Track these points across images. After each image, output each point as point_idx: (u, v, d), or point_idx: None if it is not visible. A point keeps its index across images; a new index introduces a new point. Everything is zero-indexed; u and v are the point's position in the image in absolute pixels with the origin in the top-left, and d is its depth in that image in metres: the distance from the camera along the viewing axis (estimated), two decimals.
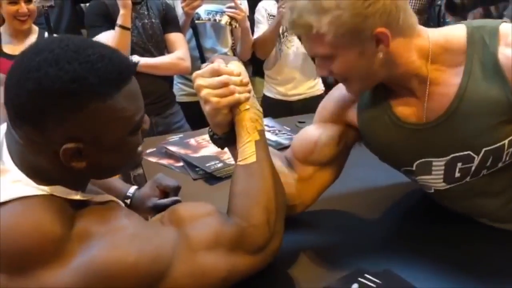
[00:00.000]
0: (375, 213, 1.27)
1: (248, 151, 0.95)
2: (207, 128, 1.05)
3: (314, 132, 1.20)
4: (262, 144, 0.97)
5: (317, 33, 0.93)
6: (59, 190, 0.80)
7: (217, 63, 0.97)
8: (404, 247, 1.09)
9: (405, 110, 1.07)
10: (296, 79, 2.68)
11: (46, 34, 2.29)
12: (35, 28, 2.39)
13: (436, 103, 1.02)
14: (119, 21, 2.12)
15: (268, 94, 2.76)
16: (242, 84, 0.96)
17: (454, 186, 1.08)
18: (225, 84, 0.94)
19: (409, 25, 0.97)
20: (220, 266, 0.85)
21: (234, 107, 0.97)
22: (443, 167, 1.06)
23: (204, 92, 0.95)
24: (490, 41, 0.97)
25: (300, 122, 1.95)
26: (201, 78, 0.96)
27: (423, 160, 1.07)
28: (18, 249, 0.73)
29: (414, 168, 1.10)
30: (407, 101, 1.07)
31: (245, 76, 0.98)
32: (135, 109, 0.82)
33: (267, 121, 1.97)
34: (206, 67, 0.97)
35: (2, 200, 0.75)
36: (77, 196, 0.82)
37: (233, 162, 1.51)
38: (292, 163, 1.21)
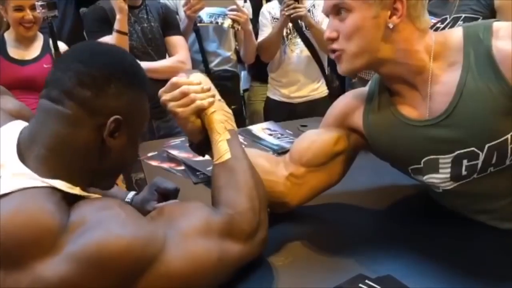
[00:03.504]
0: (377, 218, 1.25)
1: (221, 150, 1.00)
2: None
3: (313, 134, 1.25)
4: (235, 142, 1.03)
5: None
6: (60, 184, 0.83)
7: (176, 77, 1.04)
8: (407, 253, 1.08)
9: (409, 108, 1.10)
10: (300, 81, 2.68)
11: (50, 41, 2.30)
12: (40, 35, 2.40)
13: (438, 101, 1.04)
14: (116, 26, 2.13)
15: (272, 96, 2.75)
16: (202, 91, 1.03)
17: (461, 183, 1.08)
18: (185, 94, 1.01)
19: (424, 19, 1.02)
20: (211, 252, 0.87)
21: (201, 113, 1.03)
22: (449, 164, 1.06)
23: (169, 105, 1.02)
24: (484, 36, 1.00)
25: (302, 125, 1.93)
26: (165, 94, 1.03)
27: (430, 157, 1.08)
28: (15, 242, 0.74)
29: (422, 165, 1.10)
30: (412, 100, 1.09)
31: (205, 84, 1.05)
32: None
33: (269, 124, 1.96)
34: (169, 82, 1.04)
35: (3, 192, 0.78)
36: (76, 191, 0.85)
37: None
38: (287, 163, 1.23)
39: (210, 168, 1.51)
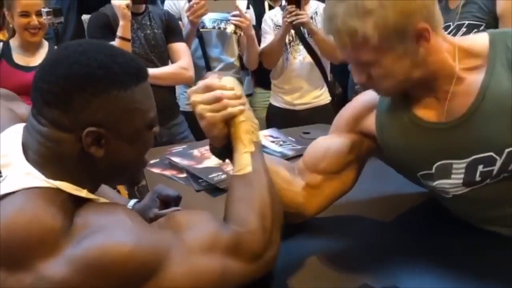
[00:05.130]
0: (381, 227, 1.25)
1: (243, 162, 0.97)
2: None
3: (326, 141, 1.22)
4: (258, 155, 0.99)
5: (362, 37, 0.94)
6: (66, 186, 0.83)
7: (210, 79, 1.00)
8: (412, 262, 1.07)
9: (425, 111, 1.08)
10: (303, 88, 2.67)
11: (55, 48, 2.31)
12: (45, 43, 2.41)
13: (458, 103, 1.02)
14: (119, 32, 2.13)
15: (274, 103, 2.75)
16: (235, 97, 0.99)
17: (473, 189, 1.07)
18: (218, 99, 0.97)
19: (440, 22, 1.00)
20: (214, 270, 0.85)
21: (229, 120, 0.99)
22: (463, 170, 1.05)
23: (199, 108, 0.98)
24: None
25: (304, 133, 1.93)
26: (195, 94, 0.99)
27: (443, 162, 1.06)
28: (18, 241, 0.75)
29: (433, 171, 1.09)
30: (427, 102, 1.07)
31: (238, 90, 1.01)
32: (150, 105, 0.91)
33: (271, 131, 1.95)
34: (199, 84, 1.00)
35: (8, 191, 0.78)
36: (83, 193, 0.85)
37: None
38: (302, 171, 1.21)
39: (212, 175, 1.52)
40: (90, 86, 0.82)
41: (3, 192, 0.79)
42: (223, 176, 1.52)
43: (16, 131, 0.90)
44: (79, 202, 0.84)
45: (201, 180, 1.53)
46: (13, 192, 0.79)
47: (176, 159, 1.67)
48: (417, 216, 1.28)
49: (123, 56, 0.88)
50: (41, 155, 0.85)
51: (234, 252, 0.87)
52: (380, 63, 0.98)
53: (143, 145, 0.93)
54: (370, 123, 1.16)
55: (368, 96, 1.18)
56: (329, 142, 1.21)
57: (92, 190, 0.89)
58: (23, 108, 1.08)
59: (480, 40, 1.03)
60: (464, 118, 1.01)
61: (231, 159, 1.02)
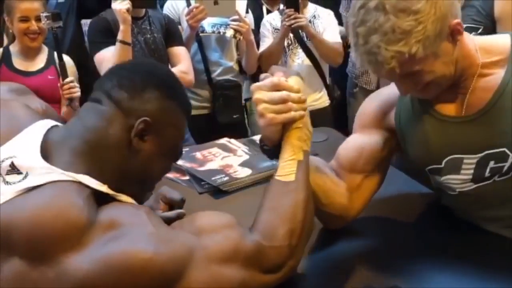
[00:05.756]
0: (383, 228, 1.25)
1: (288, 169, 0.95)
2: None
3: (358, 140, 1.21)
4: (304, 165, 0.97)
5: (409, 55, 0.93)
6: (89, 180, 0.84)
7: (278, 77, 0.97)
8: (414, 263, 1.07)
9: (444, 104, 1.09)
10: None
11: (55, 53, 2.32)
12: (45, 48, 2.42)
13: (477, 97, 1.04)
14: (119, 36, 2.13)
15: None
16: (299, 101, 0.96)
17: (480, 186, 1.08)
18: (284, 101, 0.94)
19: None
20: (233, 280, 0.85)
21: (287, 123, 0.97)
22: (474, 165, 1.06)
23: (262, 107, 0.95)
24: None
25: None
26: (260, 92, 0.96)
27: (454, 156, 1.07)
28: (42, 236, 0.76)
29: (442, 165, 1.09)
30: (447, 97, 1.08)
31: (303, 93, 0.98)
32: (183, 139, 1.03)
33: None
34: (266, 80, 0.97)
35: (36, 183, 0.80)
36: (103, 188, 0.86)
37: (239, 175, 1.53)
38: (339, 174, 1.20)
39: (215, 178, 1.53)
40: (164, 88, 0.94)
41: (31, 185, 0.80)
42: (226, 179, 1.53)
43: (37, 130, 0.91)
44: (102, 198, 0.85)
45: (203, 183, 1.53)
46: (41, 185, 0.80)
47: (179, 162, 1.66)
48: (418, 217, 1.29)
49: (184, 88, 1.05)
50: (84, 138, 0.89)
51: (254, 264, 0.87)
52: (428, 70, 0.98)
53: (165, 165, 1.00)
54: (393, 119, 1.17)
55: (389, 90, 1.18)
56: (361, 141, 1.20)
57: (112, 188, 0.89)
58: (37, 102, 1.09)
59: (502, 39, 1.06)
60: (482, 112, 1.03)
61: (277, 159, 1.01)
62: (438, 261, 1.07)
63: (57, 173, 0.82)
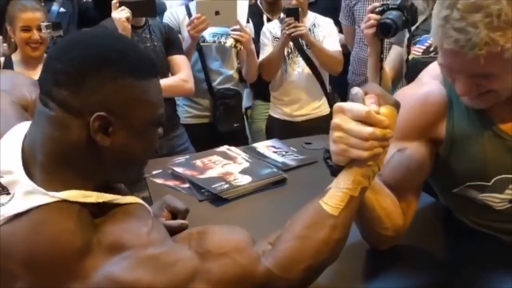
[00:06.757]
0: None
1: (337, 200, 0.87)
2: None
3: (402, 155, 1.08)
4: (354, 203, 0.89)
5: (501, 49, 0.85)
6: (74, 194, 0.79)
7: (370, 108, 0.84)
8: (412, 271, 1.07)
9: (506, 121, 1.03)
10: (302, 100, 2.69)
11: None
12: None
13: None
14: None
15: (274, 115, 2.77)
16: (383, 139, 0.84)
17: None
18: (366, 139, 0.83)
19: None
20: None
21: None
22: None
23: (337, 135, 0.85)
24: None
25: (306, 143, 1.94)
26: (342, 117, 0.85)
27: (504, 176, 1.03)
28: (40, 270, 0.74)
29: (490, 183, 1.05)
30: (508, 114, 1.02)
31: (391, 129, 0.86)
32: (160, 101, 0.88)
33: (273, 142, 1.96)
34: (353, 105, 0.85)
35: (17, 211, 0.76)
36: (92, 198, 0.81)
37: (239, 183, 1.53)
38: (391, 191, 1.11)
39: (215, 185, 1.53)
40: (105, 68, 0.79)
41: (16, 211, 0.76)
42: (226, 186, 1.53)
43: (17, 135, 0.86)
44: (94, 207, 0.81)
45: (204, 190, 1.53)
46: (24, 212, 0.76)
47: (179, 169, 1.67)
48: (418, 225, 1.28)
49: (138, 47, 0.88)
50: (47, 153, 0.81)
51: (262, 286, 0.84)
52: (502, 77, 0.91)
53: (148, 141, 0.88)
54: (441, 128, 1.08)
55: (431, 99, 1.08)
56: (407, 156, 1.08)
57: (98, 187, 0.85)
58: (26, 91, 1.06)
59: None
60: None
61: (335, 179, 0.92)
62: (439, 266, 1.07)
63: (40, 195, 0.77)
